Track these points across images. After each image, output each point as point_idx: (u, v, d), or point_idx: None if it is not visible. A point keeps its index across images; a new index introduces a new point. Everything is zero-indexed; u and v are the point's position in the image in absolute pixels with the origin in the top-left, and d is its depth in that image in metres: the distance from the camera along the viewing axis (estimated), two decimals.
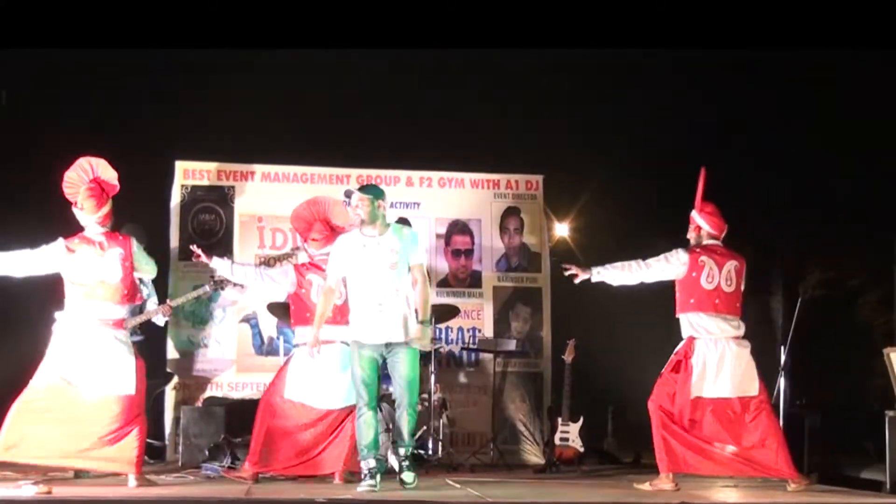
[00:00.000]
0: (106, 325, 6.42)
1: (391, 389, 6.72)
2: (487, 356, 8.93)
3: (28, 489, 5.98)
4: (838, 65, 8.51)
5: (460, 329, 9.03)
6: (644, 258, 6.79)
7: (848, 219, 8.99)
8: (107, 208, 6.53)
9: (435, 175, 9.24)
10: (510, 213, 9.30)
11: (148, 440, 8.29)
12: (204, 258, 7.17)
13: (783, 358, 7.68)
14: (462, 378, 9.03)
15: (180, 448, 7.89)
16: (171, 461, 8.11)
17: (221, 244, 8.82)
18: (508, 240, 9.28)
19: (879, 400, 7.30)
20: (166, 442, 8.47)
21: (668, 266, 6.72)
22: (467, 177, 9.31)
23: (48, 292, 6.74)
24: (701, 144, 9.10)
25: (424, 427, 7.77)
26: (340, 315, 6.76)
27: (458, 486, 6.65)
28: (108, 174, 6.60)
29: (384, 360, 6.47)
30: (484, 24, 8.60)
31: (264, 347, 8.49)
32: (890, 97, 8.31)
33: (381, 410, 6.74)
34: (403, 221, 7.55)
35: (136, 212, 7.98)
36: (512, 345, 8.86)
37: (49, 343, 6.43)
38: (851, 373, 8.85)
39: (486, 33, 8.64)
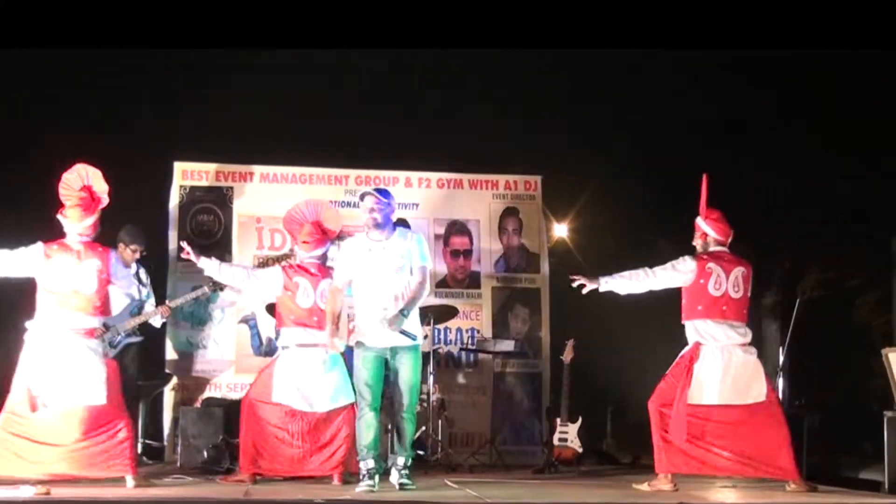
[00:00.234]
0: (77, 335, 6.30)
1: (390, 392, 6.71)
2: (486, 357, 8.94)
3: (27, 490, 5.97)
4: (838, 65, 8.51)
5: (459, 330, 9.01)
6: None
7: (847, 219, 9.00)
8: (91, 220, 6.41)
9: (433, 175, 9.21)
10: (509, 213, 9.28)
11: (147, 441, 8.38)
12: (192, 257, 7.07)
13: (782, 358, 7.67)
14: (461, 379, 9.01)
15: (179, 449, 7.87)
16: (170, 462, 8.10)
17: (220, 245, 8.81)
18: (507, 240, 9.26)
19: (878, 400, 7.29)
20: (165, 442, 8.47)
21: (675, 274, 6.69)
22: (466, 177, 9.28)
23: (21, 299, 6.58)
24: (701, 144, 9.12)
25: (423, 428, 7.77)
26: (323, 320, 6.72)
27: (456, 486, 6.64)
28: (101, 186, 6.48)
29: (387, 363, 6.47)
30: (484, 24, 8.60)
31: (263, 348, 8.46)
32: (890, 97, 8.32)
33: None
34: (402, 222, 7.52)
35: (135, 212, 7.97)
36: (510, 345, 8.84)
37: (20, 353, 6.30)
38: (850, 373, 8.86)
39: (485, 33, 8.64)
